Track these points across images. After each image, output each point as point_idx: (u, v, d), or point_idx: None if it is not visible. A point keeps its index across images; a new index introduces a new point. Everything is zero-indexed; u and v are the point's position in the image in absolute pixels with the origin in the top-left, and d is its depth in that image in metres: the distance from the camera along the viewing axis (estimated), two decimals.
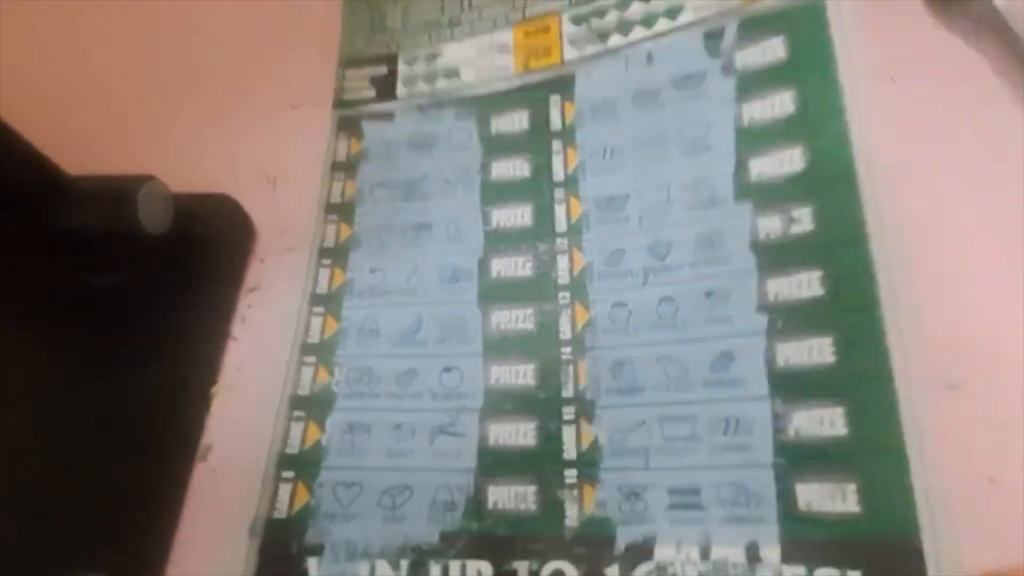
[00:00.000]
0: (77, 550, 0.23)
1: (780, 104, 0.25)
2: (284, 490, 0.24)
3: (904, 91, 0.24)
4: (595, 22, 0.29)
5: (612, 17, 0.29)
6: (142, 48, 0.38)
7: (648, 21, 0.28)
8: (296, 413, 0.26)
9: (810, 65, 0.25)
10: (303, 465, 0.25)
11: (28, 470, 0.25)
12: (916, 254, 0.22)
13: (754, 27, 0.26)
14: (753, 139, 0.25)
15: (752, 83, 0.26)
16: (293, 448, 0.25)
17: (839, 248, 0.22)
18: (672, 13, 0.28)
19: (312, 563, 0.23)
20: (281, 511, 0.24)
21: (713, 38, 0.27)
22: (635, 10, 0.29)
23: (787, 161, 0.24)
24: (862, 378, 0.21)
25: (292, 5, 0.40)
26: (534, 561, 0.22)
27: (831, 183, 0.23)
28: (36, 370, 0.27)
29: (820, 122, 0.24)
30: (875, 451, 0.21)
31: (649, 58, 0.28)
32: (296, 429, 0.25)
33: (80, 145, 0.28)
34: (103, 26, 0.39)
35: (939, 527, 0.19)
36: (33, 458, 0.25)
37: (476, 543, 0.23)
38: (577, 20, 0.30)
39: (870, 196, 0.22)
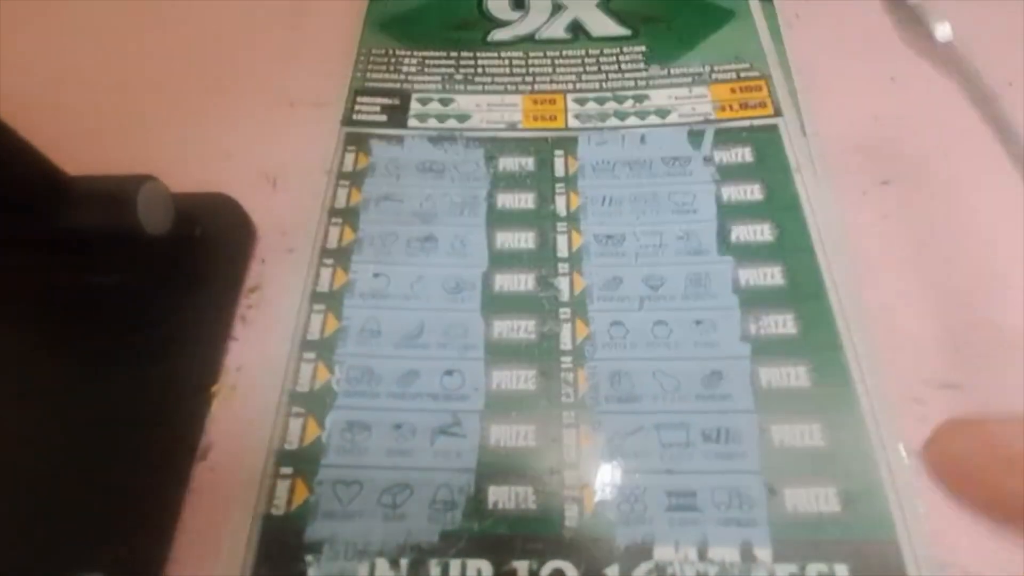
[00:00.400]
0: (76, 549, 0.23)
1: (751, 192, 0.31)
2: (282, 487, 0.24)
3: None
4: (595, 107, 0.34)
5: (610, 106, 0.34)
6: (142, 48, 0.38)
7: (641, 115, 0.34)
8: (295, 409, 0.26)
9: (772, 168, 0.31)
10: (302, 462, 0.25)
11: (27, 469, 0.25)
12: (865, 309, 0.27)
13: (728, 136, 0.32)
14: (732, 212, 0.30)
15: (728, 173, 0.31)
16: (292, 444, 0.25)
17: (805, 299, 0.27)
18: (662, 113, 0.34)
19: (311, 560, 0.23)
20: (279, 508, 0.24)
21: (696, 135, 0.33)
22: (629, 106, 0.34)
23: (759, 232, 0.29)
24: (832, 399, 0.25)
25: (292, 5, 0.40)
26: (534, 560, 0.22)
27: (795, 251, 0.29)
28: (36, 370, 0.27)
29: (783, 208, 0.30)
30: (849, 457, 0.24)
31: (643, 139, 0.33)
32: (295, 425, 0.26)
33: (80, 145, 0.28)
34: (103, 26, 0.40)
35: (911, 524, 0.22)
36: (32, 458, 0.25)
37: (476, 542, 0.23)
38: (581, 101, 0.34)
39: (824, 263, 0.28)
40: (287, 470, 0.25)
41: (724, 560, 0.22)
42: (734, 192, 0.30)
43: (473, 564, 0.22)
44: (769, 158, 0.31)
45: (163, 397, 0.26)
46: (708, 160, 0.32)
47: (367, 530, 0.23)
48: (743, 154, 0.31)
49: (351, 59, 0.36)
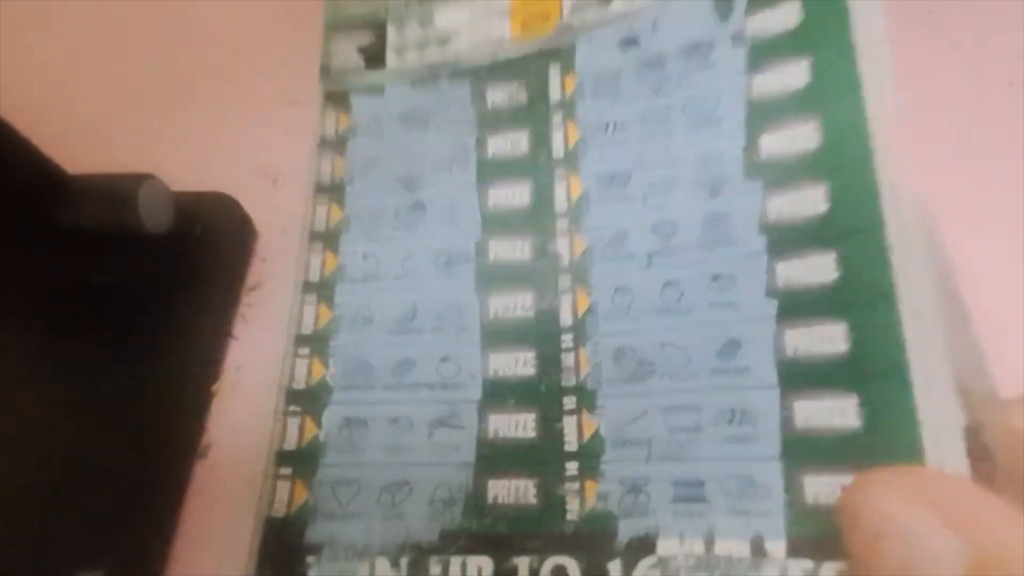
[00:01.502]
0: (77, 549, 0.23)
1: (793, 75, 0.23)
2: (283, 488, 0.24)
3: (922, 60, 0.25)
4: None
5: None
6: (142, 47, 0.38)
7: None
8: (292, 408, 0.26)
9: (826, 31, 0.23)
10: (301, 462, 0.25)
11: (28, 469, 0.25)
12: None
13: None
14: (765, 112, 0.24)
15: (763, 52, 0.24)
16: (291, 444, 0.25)
17: (853, 233, 0.21)
18: None
19: (311, 562, 0.23)
20: (280, 509, 0.24)
21: (723, 2, 0.25)
22: None
23: (798, 138, 0.23)
24: (876, 371, 0.20)
25: (291, 4, 0.40)
26: (535, 557, 0.22)
27: (847, 162, 0.22)
28: (36, 369, 0.27)
29: (836, 95, 0.22)
30: (889, 447, 0.19)
31: (654, 25, 0.26)
32: (293, 424, 0.25)
33: (80, 144, 0.28)
34: (103, 25, 0.40)
35: None
36: (33, 457, 0.25)
37: (476, 539, 0.23)
38: None
39: (887, 177, 0.21)
40: (286, 470, 0.24)
41: (732, 555, 0.21)
42: (769, 82, 0.24)
43: (474, 562, 0.22)
44: (822, 15, 0.24)
45: (163, 396, 0.26)
46: (738, 38, 0.25)
47: (367, 530, 0.23)
48: (786, 17, 0.24)
49: None
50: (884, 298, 0.20)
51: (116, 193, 0.26)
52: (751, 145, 0.23)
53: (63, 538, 0.23)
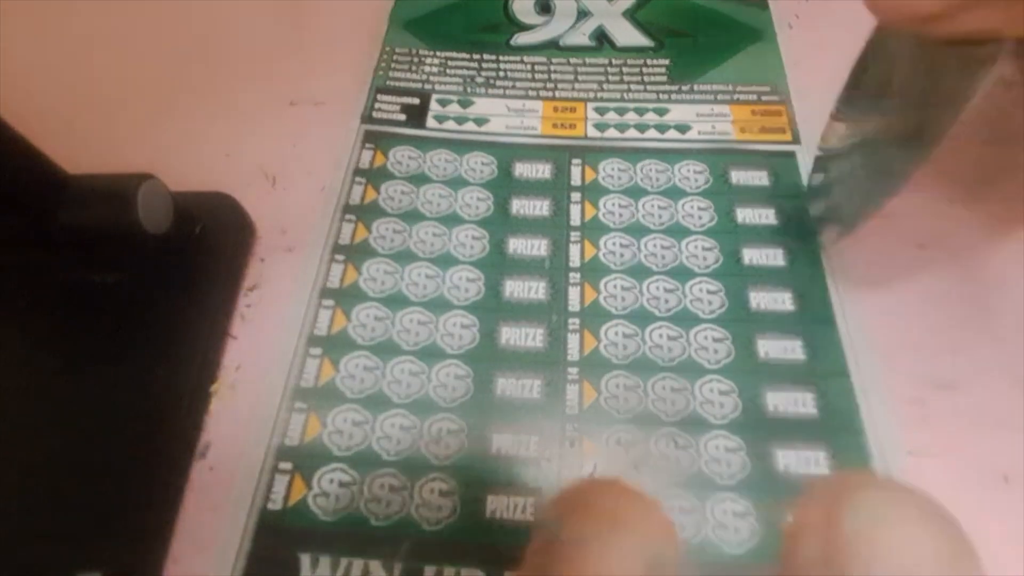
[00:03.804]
0: (75, 548, 0.23)
1: (765, 216, 0.30)
2: (280, 482, 0.24)
3: None
4: (615, 117, 0.34)
5: (630, 117, 0.34)
6: (141, 46, 0.39)
7: (661, 128, 0.33)
8: (298, 404, 0.26)
9: (787, 194, 0.31)
10: (302, 457, 0.25)
11: (26, 468, 0.25)
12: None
13: (745, 159, 0.32)
14: (746, 234, 0.30)
15: (744, 195, 0.31)
16: (293, 440, 0.25)
17: (816, 334, 0.27)
18: (682, 128, 0.33)
19: (305, 559, 0.23)
20: (276, 503, 0.24)
21: (715, 155, 0.32)
22: (650, 118, 0.34)
23: (770, 257, 0.29)
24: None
25: (290, 4, 0.40)
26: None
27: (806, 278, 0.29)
28: (35, 368, 0.27)
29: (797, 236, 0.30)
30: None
31: (662, 155, 0.33)
32: (296, 421, 0.26)
33: (79, 143, 0.28)
34: (102, 25, 0.40)
35: None
36: (31, 456, 0.25)
37: (472, 551, 0.23)
38: (601, 111, 0.34)
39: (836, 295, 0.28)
40: (286, 465, 0.25)
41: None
42: (749, 215, 0.30)
43: (467, 573, 0.22)
44: (784, 184, 0.31)
45: (162, 395, 0.26)
46: (725, 180, 0.31)
47: (364, 531, 0.23)
48: (760, 178, 0.31)
49: (372, 57, 0.37)
50: (841, 373, 0.26)
51: (115, 193, 0.26)
52: (734, 252, 0.29)
53: (60, 538, 0.23)
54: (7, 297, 0.28)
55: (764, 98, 0.34)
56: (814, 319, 0.27)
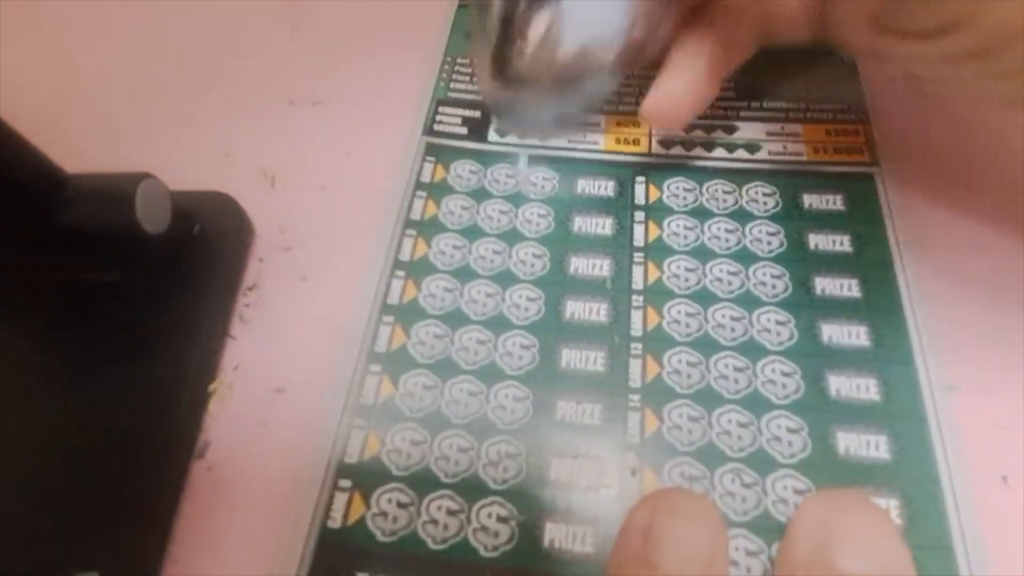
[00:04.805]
0: (73, 549, 0.23)
1: (840, 243, 0.29)
2: (340, 499, 0.24)
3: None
4: (680, 133, 0.32)
5: (697, 134, 0.32)
6: (141, 47, 0.38)
7: (729, 147, 0.32)
8: (358, 422, 0.25)
9: (864, 221, 0.29)
10: (363, 476, 0.24)
11: (24, 468, 0.25)
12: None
13: (819, 182, 0.30)
14: (818, 261, 0.28)
15: (817, 220, 0.29)
16: (352, 457, 0.25)
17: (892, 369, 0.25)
18: (751, 148, 0.32)
19: None
20: (336, 520, 0.23)
21: (786, 176, 0.31)
22: (717, 135, 0.32)
23: (844, 287, 0.27)
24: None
25: (290, 5, 0.40)
26: None
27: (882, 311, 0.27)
28: (33, 368, 0.27)
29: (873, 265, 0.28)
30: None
31: (728, 175, 0.31)
32: (356, 438, 0.25)
33: (78, 143, 0.28)
34: (102, 25, 0.40)
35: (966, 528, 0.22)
36: (28, 456, 0.25)
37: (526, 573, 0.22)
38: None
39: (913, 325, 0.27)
40: (345, 483, 0.24)
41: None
42: (822, 241, 0.29)
43: None
44: (861, 206, 0.29)
45: (161, 395, 0.26)
46: (796, 203, 0.30)
47: (422, 553, 0.23)
48: (833, 201, 0.30)
49: (434, 67, 0.36)
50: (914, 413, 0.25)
51: (113, 192, 0.26)
52: (805, 281, 0.28)
53: (58, 539, 0.23)
54: (4, 297, 0.28)
55: (839, 116, 0.32)
56: (890, 359, 0.25)
